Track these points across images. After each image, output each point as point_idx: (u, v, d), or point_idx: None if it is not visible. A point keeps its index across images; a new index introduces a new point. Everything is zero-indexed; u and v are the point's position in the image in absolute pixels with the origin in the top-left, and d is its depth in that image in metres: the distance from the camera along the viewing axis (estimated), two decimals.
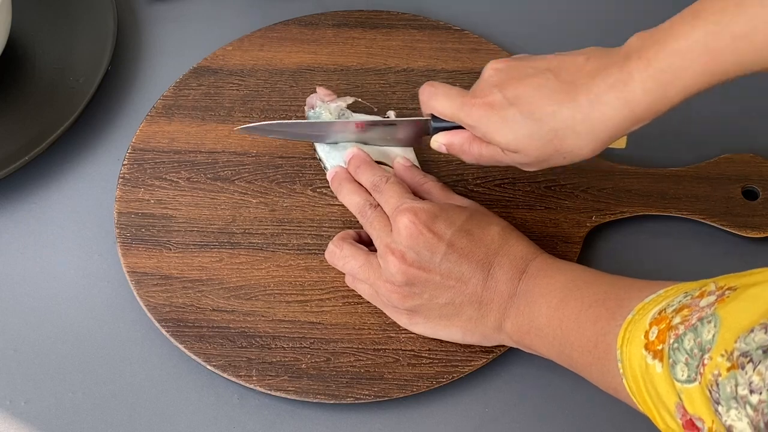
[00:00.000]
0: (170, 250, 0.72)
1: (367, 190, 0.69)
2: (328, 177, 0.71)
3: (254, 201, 0.74)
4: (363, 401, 0.65)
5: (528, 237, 0.66)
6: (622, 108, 0.57)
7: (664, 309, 0.50)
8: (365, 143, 0.72)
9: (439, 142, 0.67)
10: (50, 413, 0.67)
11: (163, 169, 0.76)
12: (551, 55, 0.62)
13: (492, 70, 0.63)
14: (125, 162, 0.77)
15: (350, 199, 0.69)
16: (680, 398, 0.47)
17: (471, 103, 0.62)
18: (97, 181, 0.78)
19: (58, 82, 0.82)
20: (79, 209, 0.76)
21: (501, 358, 0.66)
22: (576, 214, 0.72)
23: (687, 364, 0.46)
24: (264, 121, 0.79)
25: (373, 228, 0.66)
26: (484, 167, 0.75)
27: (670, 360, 0.47)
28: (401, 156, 0.72)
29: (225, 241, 0.72)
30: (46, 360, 0.69)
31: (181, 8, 0.89)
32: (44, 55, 0.84)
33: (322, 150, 0.73)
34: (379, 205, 0.67)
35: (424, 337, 0.67)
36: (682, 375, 0.46)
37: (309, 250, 0.72)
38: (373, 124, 0.70)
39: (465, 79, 0.80)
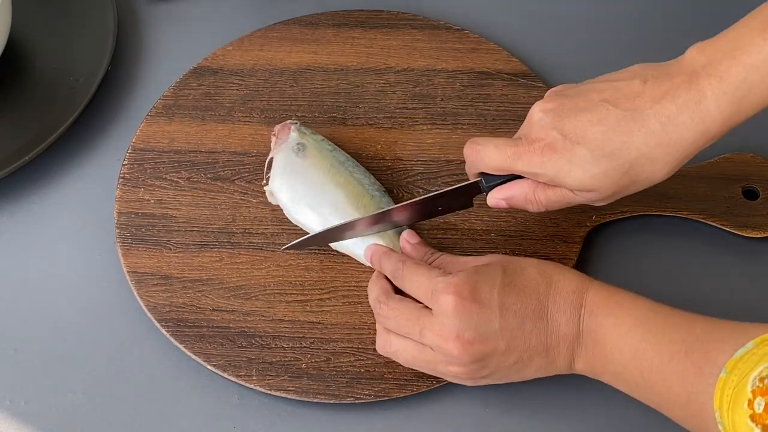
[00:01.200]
0: (170, 250, 0.72)
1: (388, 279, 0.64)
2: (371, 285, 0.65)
3: (254, 201, 0.74)
4: (363, 401, 0.65)
5: (528, 237, 0.66)
6: (697, 127, 0.55)
7: (766, 377, 0.48)
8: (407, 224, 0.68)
9: (497, 198, 0.62)
10: (50, 413, 0.67)
11: (163, 169, 0.76)
12: (600, 83, 0.59)
13: (541, 111, 0.59)
14: (125, 162, 0.77)
15: (371, 295, 0.64)
16: None
17: (529, 150, 0.59)
18: (97, 181, 0.78)
19: (58, 82, 0.82)
20: (79, 209, 0.76)
21: None
22: (576, 214, 0.72)
23: None
24: (265, 120, 0.78)
25: (400, 323, 0.61)
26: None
27: None
28: (406, 232, 0.67)
29: (225, 240, 0.72)
30: (46, 360, 0.69)
31: (181, 8, 0.89)
32: (44, 55, 0.84)
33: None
34: (388, 295, 0.62)
35: None
36: None
37: (309, 249, 0.72)
38: (422, 201, 0.65)
39: (465, 78, 0.80)
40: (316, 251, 0.71)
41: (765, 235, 0.71)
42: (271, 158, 0.73)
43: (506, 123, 0.77)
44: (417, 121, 0.78)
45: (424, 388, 0.65)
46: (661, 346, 0.56)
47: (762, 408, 0.48)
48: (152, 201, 0.75)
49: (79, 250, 0.74)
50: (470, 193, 0.65)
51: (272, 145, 0.74)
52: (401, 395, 0.65)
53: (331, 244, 0.70)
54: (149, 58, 0.86)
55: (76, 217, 0.76)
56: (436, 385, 0.65)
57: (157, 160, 0.77)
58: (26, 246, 0.75)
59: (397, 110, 0.79)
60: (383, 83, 0.81)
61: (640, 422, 0.64)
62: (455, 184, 0.65)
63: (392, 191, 0.74)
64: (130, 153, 0.77)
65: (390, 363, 0.66)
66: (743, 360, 0.51)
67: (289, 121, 0.75)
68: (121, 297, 0.71)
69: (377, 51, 0.83)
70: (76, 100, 0.79)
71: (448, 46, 0.83)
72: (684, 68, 0.56)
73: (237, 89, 0.81)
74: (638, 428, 0.64)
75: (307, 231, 0.71)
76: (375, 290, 0.64)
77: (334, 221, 0.68)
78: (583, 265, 0.71)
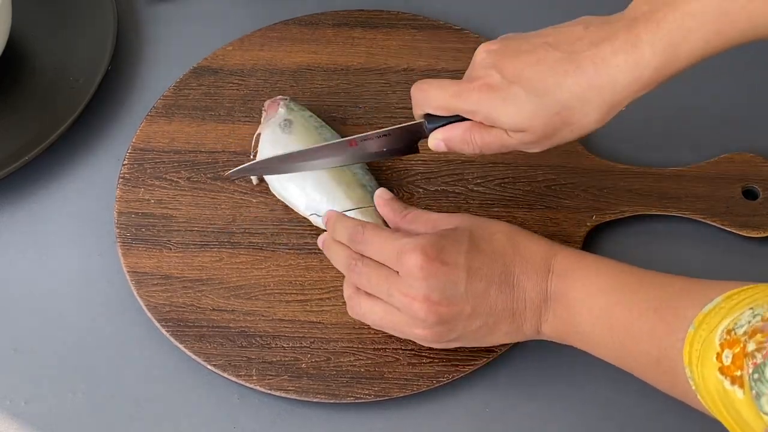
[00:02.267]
0: (170, 249, 0.72)
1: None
2: (320, 245, 0.68)
3: (254, 201, 0.74)
4: (363, 401, 0.65)
5: None
6: (630, 71, 0.55)
7: (733, 329, 0.49)
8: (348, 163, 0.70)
9: (437, 139, 0.63)
10: (50, 413, 0.67)
11: (163, 168, 0.76)
12: (545, 29, 0.60)
13: (485, 52, 0.60)
14: (125, 162, 0.77)
15: (336, 261, 0.66)
16: None
17: (468, 88, 0.60)
18: (97, 181, 0.78)
19: (58, 82, 0.82)
20: (79, 209, 0.76)
21: (501, 357, 0.66)
22: (576, 214, 0.72)
23: None
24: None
25: (371, 281, 0.62)
26: (485, 165, 0.75)
27: (753, 391, 0.46)
28: (380, 189, 0.69)
29: (225, 240, 0.72)
30: (46, 360, 0.69)
31: (181, 8, 0.89)
32: (44, 55, 0.84)
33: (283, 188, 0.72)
34: (362, 256, 0.63)
35: None
36: None
37: (309, 249, 0.72)
38: (366, 138, 0.66)
39: None
40: (316, 251, 0.71)
41: (765, 235, 0.71)
42: (259, 134, 0.73)
43: None
44: None
45: (424, 388, 0.65)
46: (631, 304, 0.57)
47: (730, 360, 0.48)
48: (152, 201, 0.75)
49: (79, 250, 0.74)
50: (415, 135, 0.66)
51: (262, 119, 0.74)
52: (401, 395, 0.65)
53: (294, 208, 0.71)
54: (149, 58, 0.86)
55: (76, 217, 0.76)
56: (436, 385, 0.65)
57: (157, 160, 0.77)
58: (26, 246, 0.75)
59: (397, 110, 0.79)
60: (383, 83, 0.81)
61: (640, 423, 0.64)
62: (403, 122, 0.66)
63: (392, 191, 0.73)
64: (130, 153, 0.77)
65: (390, 363, 0.66)
66: (711, 314, 0.51)
67: (279, 96, 0.75)
68: (121, 297, 0.71)
69: (377, 51, 0.83)
70: (76, 100, 0.79)
71: (448, 46, 0.83)
72: (627, 15, 0.57)
73: (237, 89, 0.81)
74: (639, 428, 0.64)
75: (293, 208, 0.72)
76: (343, 253, 0.64)
77: (318, 197, 0.70)
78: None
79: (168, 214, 0.74)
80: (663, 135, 0.79)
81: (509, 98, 0.58)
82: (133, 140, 0.78)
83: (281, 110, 0.74)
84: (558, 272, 0.60)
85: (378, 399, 0.65)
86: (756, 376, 0.46)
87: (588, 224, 0.72)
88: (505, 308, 0.60)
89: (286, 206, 0.74)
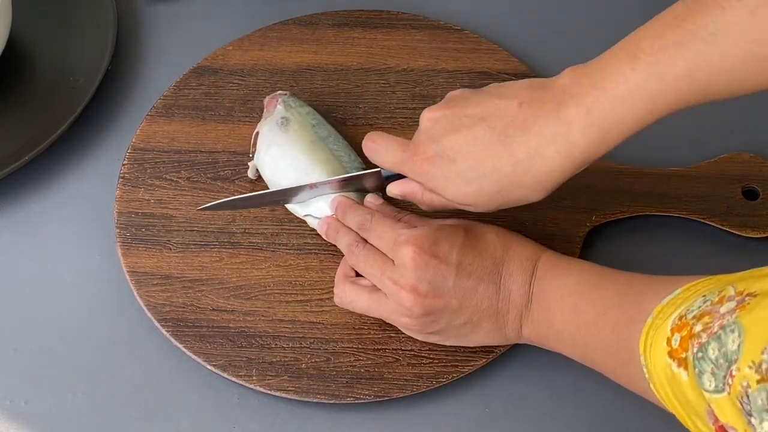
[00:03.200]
0: (170, 249, 0.72)
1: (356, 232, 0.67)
2: (319, 229, 0.70)
3: None
4: (363, 401, 0.65)
5: (528, 237, 0.66)
6: (563, 159, 0.56)
7: (684, 315, 0.50)
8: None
9: (394, 192, 0.65)
10: (50, 413, 0.67)
11: (163, 168, 0.76)
12: (484, 97, 0.60)
13: (428, 121, 0.61)
14: (125, 162, 0.77)
15: (341, 242, 0.68)
16: (710, 406, 0.46)
17: (413, 160, 0.61)
18: (97, 181, 0.78)
19: (58, 82, 0.82)
20: (79, 209, 0.76)
21: (501, 358, 0.66)
22: (576, 214, 0.72)
23: (713, 374, 0.46)
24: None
25: (367, 264, 0.64)
26: None
27: (696, 369, 0.47)
28: (371, 195, 0.70)
29: (225, 240, 0.72)
30: (46, 360, 0.69)
31: (181, 8, 0.89)
32: (44, 55, 0.84)
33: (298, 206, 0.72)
34: (365, 241, 0.66)
35: None
36: (710, 385, 0.46)
37: (309, 249, 0.72)
38: (327, 183, 0.69)
39: (465, 79, 0.80)
40: (316, 251, 0.71)
41: (765, 235, 0.71)
42: (257, 132, 0.74)
43: None
44: (417, 121, 0.78)
45: (424, 388, 0.65)
46: (597, 301, 0.58)
47: (678, 343, 0.49)
48: (152, 201, 0.75)
49: (79, 250, 0.74)
50: (374, 182, 0.69)
51: (263, 116, 0.74)
52: (401, 395, 0.65)
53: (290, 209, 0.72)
54: (149, 58, 0.86)
55: (76, 217, 0.76)
56: (436, 385, 0.65)
57: (157, 160, 0.77)
58: (26, 246, 0.75)
59: (397, 110, 0.79)
60: (383, 83, 0.81)
61: (640, 423, 0.64)
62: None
63: None
64: (130, 153, 0.77)
65: (390, 363, 0.66)
66: (668, 305, 0.52)
67: (278, 92, 0.75)
68: (121, 297, 0.71)
69: (377, 51, 0.83)
70: (76, 100, 0.79)
71: (448, 46, 0.83)
72: (555, 95, 0.56)
73: (237, 89, 0.81)
74: (641, 428, 0.64)
75: (289, 207, 0.72)
76: (349, 235, 0.67)
77: (306, 179, 0.71)
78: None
79: (168, 214, 0.74)
80: (663, 135, 0.78)
81: (451, 178, 0.60)
82: (133, 140, 0.78)
83: (279, 107, 0.74)
84: (539, 275, 0.62)
85: (378, 399, 0.65)
86: (700, 354, 0.47)
87: (588, 224, 0.72)
88: (489, 307, 0.62)
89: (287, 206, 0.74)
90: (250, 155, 0.74)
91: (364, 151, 0.66)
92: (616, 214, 0.72)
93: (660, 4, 0.59)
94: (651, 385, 0.52)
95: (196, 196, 0.75)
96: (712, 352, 0.46)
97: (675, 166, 0.75)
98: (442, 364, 0.66)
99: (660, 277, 0.57)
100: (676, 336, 0.49)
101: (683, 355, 0.48)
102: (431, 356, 0.66)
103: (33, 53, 0.85)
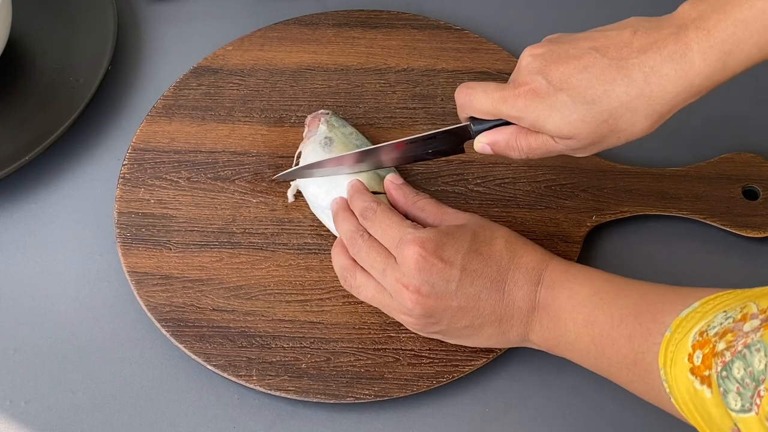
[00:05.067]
0: (170, 249, 0.72)
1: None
2: (333, 207, 0.69)
3: (254, 201, 0.74)
4: (363, 401, 0.65)
5: (528, 237, 0.66)
6: (680, 80, 0.54)
7: (705, 331, 0.49)
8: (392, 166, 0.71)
9: (482, 143, 0.62)
10: (50, 413, 0.67)
11: (163, 168, 0.76)
12: (592, 32, 0.58)
13: (530, 56, 0.59)
14: (125, 162, 0.77)
15: (341, 227, 0.67)
16: (736, 425, 0.46)
17: (514, 94, 0.59)
18: (97, 181, 0.78)
19: (58, 82, 0.82)
20: (79, 209, 0.76)
21: (501, 358, 0.66)
22: (576, 214, 0.72)
23: (739, 393, 0.45)
24: (265, 120, 0.79)
25: (370, 257, 0.64)
26: (485, 165, 0.75)
27: (721, 389, 0.46)
28: (391, 174, 0.69)
29: (225, 240, 0.72)
30: (46, 360, 0.69)
31: (181, 8, 0.89)
32: (44, 55, 0.84)
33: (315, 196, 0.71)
34: (368, 233, 0.65)
35: (425, 337, 0.66)
36: (736, 404, 0.45)
37: (309, 249, 0.72)
38: (413, 141, 0.67)
39: (465, 78, 0.80)
40: (316, 251, 0.71)
41: (765, 235, 0.71)
42: (300, 152, 0.74)
43: None
44: (417, 121, 0.78)
45: (424, 388, 0.65)
46: (612, 311, 0.57)
47: (700, 360, 0.48)
48: (152, 201, 0.75)
49: (79, 250, 0.74)
50: (461, 137, 0.66)
51: (304, 135, 0.74)
52: (401, 395, 0.65)
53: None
54: (149, 58, 0.86)
55: (76, 217, 0.76)
56: (436, 385, 0.65)
57: (157, 160, 0.77)
58: (26, 246, 0.75)
59: (397, 110, 0.79)
60: (383, 83, 0.81)
61: (640, 423, 0.64)
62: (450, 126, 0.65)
63: None
64: (130, 153, 0.77)
65: (390, 363, 0.66)
66: (687, 319, 0.51)
67: (321, 111, 0.75)
68: (121, 297, 0.71)
69: (377, 51, 0.83)
70: (76, 100, 0.79)
71: (448, 46, 0.83)
72: (675, 21, 0.56)
73: (237, 89, 0.81)
74: (641, 428, 0.64)
75: (331, 229, 0.71)
76: (351, 223, 0.66)
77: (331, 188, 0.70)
78: (586, 265, 0.71)
79: (168, 214, 0.74)
80: (663, 135, 0.78)
81: (556, 106, 0.57)
82: (133, 140, 0.78)
83: (322, 127, 0.73)
84: (547, 284, 0.61)
85: (378, 399, 0.65)
86: (724, 374, 0.46)
87: (588, 224, 0.72)
88: (492, 312, 0.61)
89: (287, 206, 0.74)
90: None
91: (457, 98, 0.63)
92: (616, 214, 0.72)
93: (664, 5, 0.59)
94: (672, 400, 0.51)
95: (196, 196, 0.75)
96: (737, 371, 0.45)
97: (675, 166, 0.75)
98: (442, 364, 0.66)
99: (674, 288, 0.56)
100: (698, 353, 0.48)
101: (706, 373, 0.48)
102: (431, 356, 0.66)
103: (33, 53, 0.85)
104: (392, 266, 0.62)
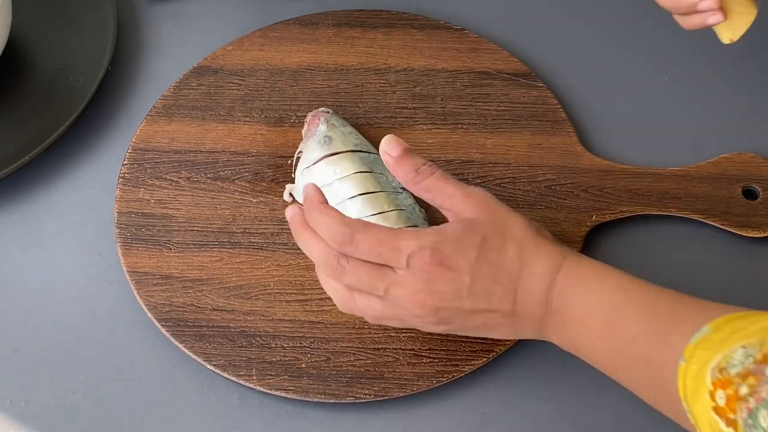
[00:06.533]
0: (170, 249, 0.72)
1: None
2: (287, 216, 0.62)
3: (254, 201, 0.74)
4: (363, 400, 0.65)
5: None
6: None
7: (725, 368, 0.49)
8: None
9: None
10: (50, 413, 0.67)
11: (163, 168, 0.76)
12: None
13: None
14: (125, 162, 0.77)
15: (310, 251, 0.61)
16: None
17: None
18: (97, 181, 0.78)
19: (58, 82, 0.82)
20: (79, 209, 0.76)
21: (501, 357, 0.66)
22: (576, 214, 0.72)
23: None
24: (265, 120, 0.79)
25: (362, 282, 0.59)
26: (485, 165, 0.75)
27: None
28: (386, 143, 0.62)
29: (225, 240, 0.72)
30: (46, 360, 0.69)
31: (181, 8, 0.89)
32: (44, 55, 0.84)
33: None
34: (348, 256, 0.59)
35: (425, 336, 0.66)
36: None
37: None
38: None
39: (465, 78, 0.80)
40: None
41: (765, 235, 0.71)
42: (300, 151, 0.73)
43: (506, 123, 0.78)
44: (417, 121, 0.78)
45: (423, 387, 0.65)
46: (626, 331, 0.57)
47: (724, 401, 0.48)
48: (152, 201, 0.75)
49: (79, 250, 0.74)
50: None
51: (303, 133, 0.74)
52: (401, 394, 0.65)
53: None
54: (149, 58, 0.86)
55: (76, 217, 0.76)
56: (436, 385, 0.65)
57: (157, 160, 0.77)
58: (26, 246, 0.75)
59: (397, 110, 0.79)
60: (383, 83, 0.81)
61: (642, 423, 0.64)
62: None
63: None
64: (130, 153, 0.77)
65: (390, 363, 0.66)
66: (700, 347, 0.51)
67: (321, 110, 0.75)
68: (121, 297, 0.71)
69: (377, 51, 0.83)
70: (76, 100, 0.79)
71: (448, 46, 0.83)
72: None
73: (237, 89, 0.81)
74: (641, 428, 0.64)
75: None
76: (320, 246, 0.60)
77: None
78: None
79: (168, 214, 0.74)
80: (663, 135, 0.79)
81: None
82: (133, 140, 0.78)
83: (322, 127, 0.73)
84: (559, 290, 0.60)
85: (378, 399, 0.65)
86: (750, 422, 0.46)
87: (588, 224, 0.72)
88: (505, 314, 0.60)
89: (286, 206, 0.73)
90: (293, 175, 0.74)
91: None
92: (616, 214, 0.72)
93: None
94: (698, 431, 0.51)
95: (196, 196, 0.75)
96: (764, 420, 0.45)
97: (675, 166, 0.75)
98: (442, 363, 0.66)
99: (681, 299, 0.56)
100: (720, 393, 0.48)
101: (732, 416, 0.47)
102: (431, 356, 0.66)
103: (33, 53, 0.85)
104: (394, 283, 0.59)
